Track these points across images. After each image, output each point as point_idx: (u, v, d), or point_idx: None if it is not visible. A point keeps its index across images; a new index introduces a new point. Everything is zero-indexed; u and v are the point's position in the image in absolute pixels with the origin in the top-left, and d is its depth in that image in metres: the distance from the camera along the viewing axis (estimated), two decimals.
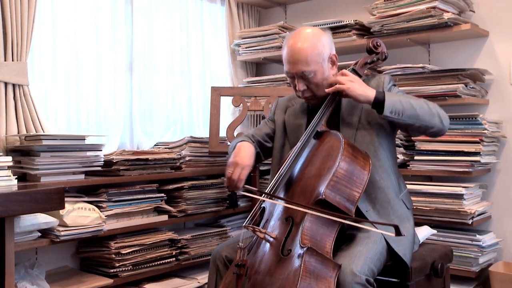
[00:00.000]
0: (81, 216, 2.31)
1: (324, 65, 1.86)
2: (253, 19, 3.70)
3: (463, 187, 2.60)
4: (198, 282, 2.76)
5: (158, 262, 2.67)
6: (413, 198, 2.62)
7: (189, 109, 3.33)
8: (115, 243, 2.51)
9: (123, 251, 2.51)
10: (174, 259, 2.75)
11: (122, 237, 2.56)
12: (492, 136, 2.70)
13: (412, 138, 2.75)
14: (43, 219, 2.15)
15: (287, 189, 1.76)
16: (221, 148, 2.86)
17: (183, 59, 3.30)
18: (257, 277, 1.57)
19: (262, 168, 3.10)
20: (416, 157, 2.74)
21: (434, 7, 2.62)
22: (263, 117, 2.97)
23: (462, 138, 2.63)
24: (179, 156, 2.84)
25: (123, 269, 2.52)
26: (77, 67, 2.76)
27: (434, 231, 2.41)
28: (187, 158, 2.89)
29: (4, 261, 1.83)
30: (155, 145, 3.05)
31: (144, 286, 2.64)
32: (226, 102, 3.34)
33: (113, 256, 2.49)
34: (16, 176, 2.04)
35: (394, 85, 1.95)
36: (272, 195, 1.72)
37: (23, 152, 2.40)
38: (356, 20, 2.98)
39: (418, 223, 2.36)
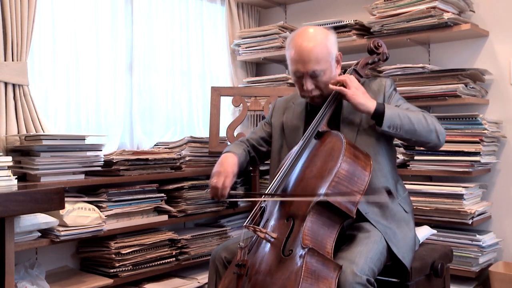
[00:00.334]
0: (81, 216, 2.30)
1: (333, 64, 1.87)
2: (253, 19, 3.70)
3: (463, 187, 2.61)
4: (198, 282, 2.76)
5: (158, 262, 2.67)
6: (413, 198, 2.63)
7: (189, 109, 3.33)
8: (115, 243, 2.51)
9: (123, 251, 2.51)
10: (174, 259, 2.75)
11: (122, 237, 2.56)
12: (492, 136, 2.70)
13: None
14: (43, 219, 2.15)
15: (287, 189, 1.76)
16: (221, 148, 2.85)
17: (183, 59, 3.30)
18: (258, 277, 1.56)
19: (262, 168, 3.10)
20: (416, 157, 2.74)
21: (434, 7, 2.62)
22: (263, 117, 2.97)
23: (462, 138, 2.63)
24: (179, 156, 2.84)
25: (123, 269, 2.52)
26: (77, 67, 2.76)
27: (434, 231, 2.41)
28: (187, 158, 2.89)
29: (4, 261, 1.83)
30: (155, 145, 3.04)
31: (144, 286, 2.64)
32: (226, 102, 3.34)
33: (113, 256, 2.49)
34: (16, 176, 2.04)
35: (395, 89, 1.95)
36: (266, 194, 1.72)
37: (23, 152, 2.40)
38: (356, 20, 2.98)
39: (418, 223, 2.36)
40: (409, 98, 2.62)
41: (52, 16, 2.65)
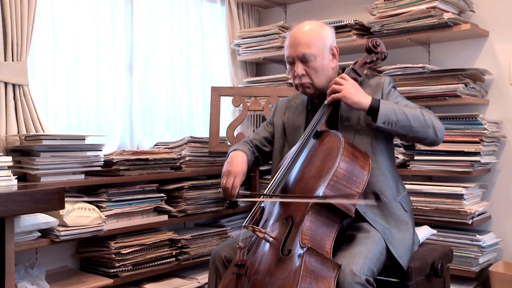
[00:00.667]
0: (81, 216, 2.31)
1: (325, 52, 1.88)
2: (253, 19, 3.70)
3: (463, 187, 2.60)
4: (198, 282, 2.76)
5: (158, 262, 2.67)
6: (413, 198, 2.63)
7: (189, 109, 3.33)
8: (115, 243, 2.51)
9: (123, 251, 2.51)
10: (174, 259, 2.75)
11: (122, 237, 2.56)
12: (492, 136, 2.70)
13: None
14: (43, 219, 2.15)
15: (286, 189, 1.76)
16: (221, 148, 2.86)
17: (183, 59, 3.30)
18: (257, 277, 1.56)
19: (262, 168, 3.10)
20: (416, 157, 2.74)
21: (434, 7, 2.62)
22: (263, 117, 2.97)
23: (462, 138, 2.63)
24: (179, 156, 2.84)
25: (123, 269, 2.52)
26: (77, 67, 2.76)
27: (434, 231, 2.41)
28: (187, 158, 2.89)
29: (4, 261, 1.83)
30: (155, 145, 3.05)
31: (144, 286, 2.65)
32: (226, 102, 3.34)
33: (113, 256, 2.49)
34: (16, 176, 2.04)
35: (394, 87, 1.94)
36: (269, 195, 1.72)
37: (23, 152, 2.40)
38: (356, 20, 2.98)
39: (418, 223, 2.36)
40: (409, 98, 2.57)
41: (52, 16, 2.65)
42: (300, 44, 1.84)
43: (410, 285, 1.80)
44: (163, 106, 3.18)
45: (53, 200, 1.86)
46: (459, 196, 2.59)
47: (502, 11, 2.81)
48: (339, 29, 3.01)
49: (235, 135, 2.88)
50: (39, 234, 2.23)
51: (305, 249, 1.51)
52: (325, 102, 1.84)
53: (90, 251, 2.60)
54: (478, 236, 2.61)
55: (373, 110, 1.75)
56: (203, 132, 3.32)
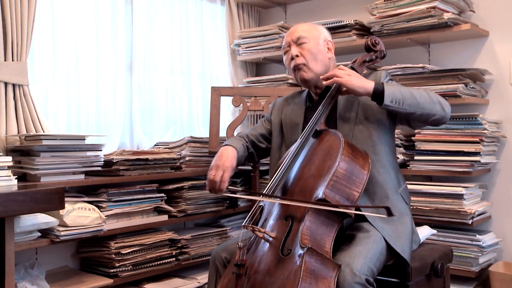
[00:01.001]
0: (81, 216, 2.30)
1: (320, 41, 1.96)
2: (253, 19, 3.70)
3: (463, 187, 2.60)
4: (198, 282, 2.76)
5: (158, 262, 2.67)
6: (413, 198, 2.63)
7: (189, 109, 3.33)
8: (115, 243, 2.51)
9: (123, 251, 2.51)
10: (174, 259, 2.75)
11: (122, 237, 2.56)
12: (492, 136, 2.70)
13: (412, 138, 2.75)
14: (43, 219, 2.15)
15: (286, 188, 1.76)
16: None
17: (183, 59, 3.30)
18: (257, 277, 1.56)
19: (262, 168, 3.10)
20: (416, 157, 2.74)
21: (434, 7, 2.62)
22: (263, 117, 2.96)
23: (462, 138, 2.63)
24: (179, 156, 2.84)
25: (123, 269, 2.52)
26: (77, 67, 2.76)
27: (434, 231, 2.41)
28: (187, 158, 2.89)
29: (4, 261, 1.83)
30: (155, 145, 3.05)
31: (144, 286, 2.65)
32: (226, 102, 3.34)
33: (113, 256, 2.49)
34: (16, 176, 2.04)
35: (391, 79, 1.95)
36: (262, 194, 1.72)
37: (23, 152, 2.40)
38: (356, 20, 2.98)
39: (418, 223, 2.36)
40: None
41: (52, 16, 2.65)
42: (296, 30, 1.97)
43: (410, 285, 1.80)
44: (163, 106, 3.18)
45: (53, 200, 1.86)
46: (459, 196, 2.59)
47: (502, 11, 2.81)
48: (339, 29, 3.01)
49: (235, 135, 2.87)
50: (39, 234, 2.23)
51: (305, 249, 1.51)
52: (324, 83, 1.83)
53: (90, 251, 2.60)
54: (478, 236, 2.61)
55: (378, 93, 1.75)
56: (203, 132, 3.32)
